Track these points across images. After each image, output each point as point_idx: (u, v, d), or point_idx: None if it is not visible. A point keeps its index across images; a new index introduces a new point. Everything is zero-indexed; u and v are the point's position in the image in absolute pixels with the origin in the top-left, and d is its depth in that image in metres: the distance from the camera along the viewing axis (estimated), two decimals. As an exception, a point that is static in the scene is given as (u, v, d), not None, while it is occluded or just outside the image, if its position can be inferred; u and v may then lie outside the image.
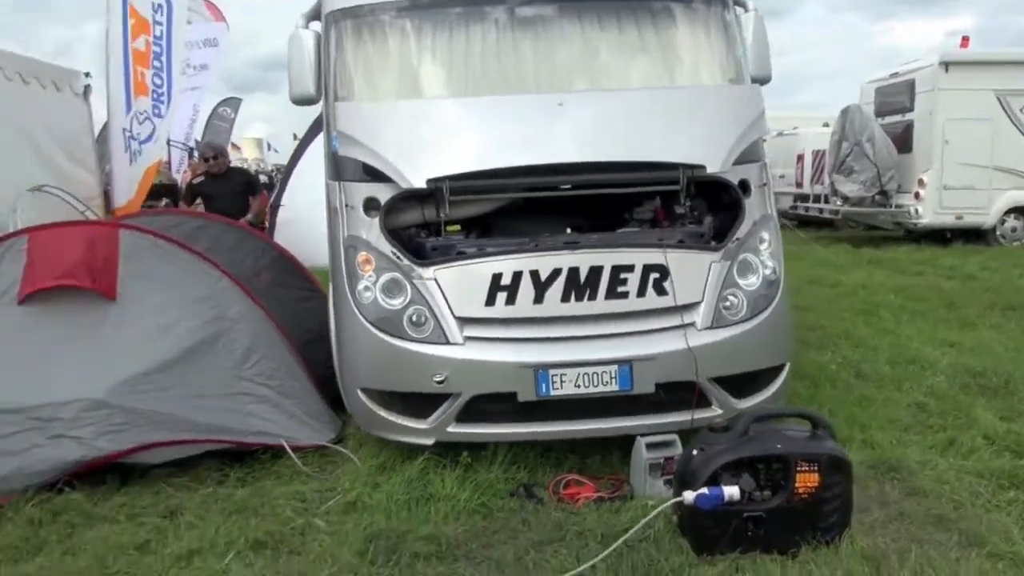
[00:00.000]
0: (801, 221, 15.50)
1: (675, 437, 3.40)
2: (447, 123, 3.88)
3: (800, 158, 16.10)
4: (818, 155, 15.16)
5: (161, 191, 10.89)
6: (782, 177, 16.09)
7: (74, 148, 8.48)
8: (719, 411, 3.51)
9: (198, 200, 7.40)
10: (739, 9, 4.23)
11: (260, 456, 3.83)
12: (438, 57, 4.11)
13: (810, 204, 15.66)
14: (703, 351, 3.46)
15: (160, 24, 8.95)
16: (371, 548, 2.97)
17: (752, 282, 3.66)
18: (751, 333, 3.57)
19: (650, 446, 3.36)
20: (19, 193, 6.94)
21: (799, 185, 16.20)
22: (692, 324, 3.52)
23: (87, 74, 8.98)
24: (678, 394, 3.50)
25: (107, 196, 8.88)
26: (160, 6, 8.92)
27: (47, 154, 7.89)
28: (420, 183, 3.57)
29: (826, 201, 14.61)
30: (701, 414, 3.48)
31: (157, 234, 4.13)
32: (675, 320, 3.51)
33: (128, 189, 8.62)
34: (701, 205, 3.97)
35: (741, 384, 3.59)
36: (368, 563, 2.91)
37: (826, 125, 15.34)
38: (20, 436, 3.51)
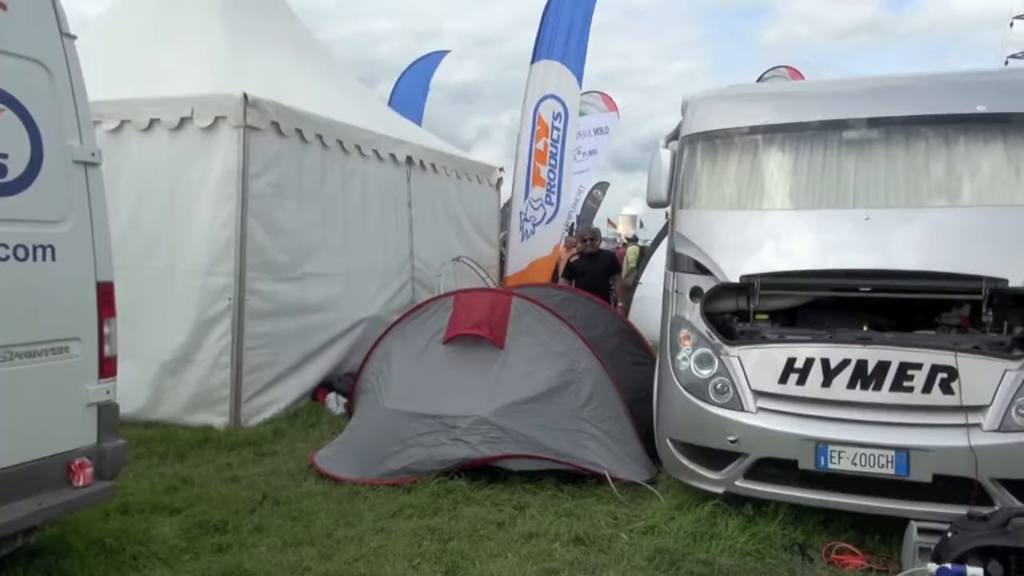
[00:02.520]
0: None
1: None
2: (764, 231, 4.63)
3: None
4: None
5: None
6: None
7: (482, 226, 10.64)
8: (1000, 510, 3.67)
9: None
10: None
11: (587, 480, 4.89)
12: (766, 175, 4.86)
13: None
14: (988, 451, 3.69)
15: (558, 129, 10.98)
16: (657, 558, 3.82)
17: None
18: None
19: (923, 531, 3.66)
20: (443, 262, 9.18)
21: None
22: (978, 425, 3.77)
23: (501, 169, 11.24)
24: (958, 488, 3.76)
25: (501, 264, 11.01)
26: (559, 115, 10.97)
27: (465, 232, 10.09)
28: (735, 278, 4.42)
29: None
30: (981, 510, 3.69)
31: (537, 302, 5.55)
32: (959, 419, 3.80)
33: (518, 262, 10.65)
34: (1013, 316, 4.14)
35: (1029, 489, 3.71)
36: (654, 567, 3.77)
37: None
38: (432, 435, 5.04)
